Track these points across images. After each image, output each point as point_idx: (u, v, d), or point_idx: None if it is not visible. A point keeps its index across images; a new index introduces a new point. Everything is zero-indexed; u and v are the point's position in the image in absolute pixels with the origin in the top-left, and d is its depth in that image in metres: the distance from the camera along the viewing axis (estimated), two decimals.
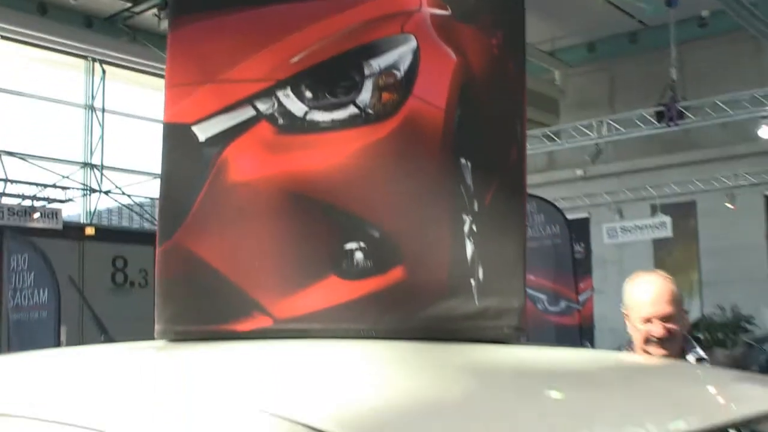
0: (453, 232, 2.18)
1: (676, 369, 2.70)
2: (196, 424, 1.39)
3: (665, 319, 3.99)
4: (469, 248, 2.17)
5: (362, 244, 2.14)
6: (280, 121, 2.21)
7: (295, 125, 2.21)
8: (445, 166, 2.21)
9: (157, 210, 2.39)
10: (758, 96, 18.73)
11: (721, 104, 19.14)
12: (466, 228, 2.18)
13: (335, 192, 2.19)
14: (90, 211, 23.66)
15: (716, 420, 1.68)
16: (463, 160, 2.21)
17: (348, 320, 2.10)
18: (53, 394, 1.74)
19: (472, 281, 2.17)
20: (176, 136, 2.29)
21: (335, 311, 2.11)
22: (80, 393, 1.72)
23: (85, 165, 23.56)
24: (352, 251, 2.14)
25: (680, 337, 4.07)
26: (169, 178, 2.34)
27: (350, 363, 1.81)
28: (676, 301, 4.07)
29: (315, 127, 2.20)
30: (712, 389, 2.02)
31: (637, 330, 4.00)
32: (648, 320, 3.98)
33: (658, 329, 3.96)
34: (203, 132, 2.24)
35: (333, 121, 2.20)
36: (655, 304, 4.05)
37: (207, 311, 2.18)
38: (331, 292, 2.13)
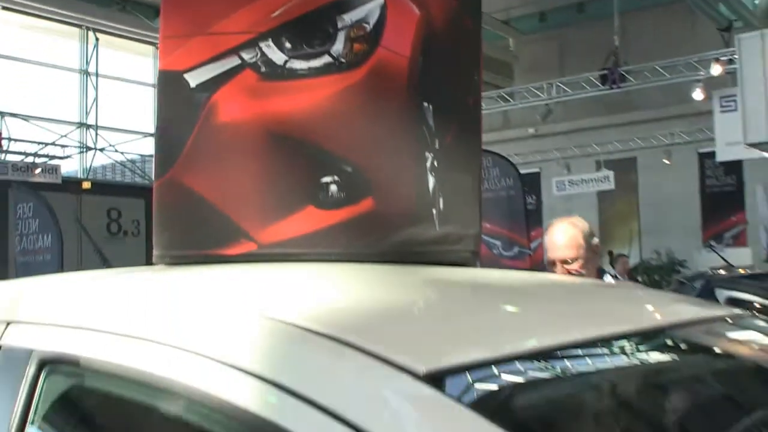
0: (416, 167, 2.21)
1: (603, 285, 2.81)
2: (208, 326, 1.47)
3: (565, 262, 4.12)
4: (431, 182, 2.20)
5: (336, 178, 2.16)
6: (263, 69, 2.23)
7: (275, 73, 2.23)
8: (409, 108, 2.23)
9: (153, 148, 2.40)
10: (693, 62, 18.82)
11: (659, 69, 19.21)
12: (428, 164, 2.21)
13: (312, 131, 2.21)
14: (86, 167, 23.51)
15: (640, 325, 1.76)
16: (425, 104, 2.23)
17: (324, 245, 2.13)
18: (94, 306, 1.79)
19: (434, 211, 2.20)
20: (170, 83, 2.31)
21: (312, 237, 2.14)
22: (104, 304, 1.78)
23: (81, 125, 23.38)
24: (327, 184, 2.16)
25: (592, 275, 4.19)
26: (164, 119, 2.36)
27: (327, 278, 1.86)
28: (579, 246, 4.18)
29: (293, 74, 2.22)
30: (636, 302, 2.09)
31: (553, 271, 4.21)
32: (552, 263, 4.13)
33: (559, 272, 4.09)
34: (194, 79, 2.26)
35: (309, 68, 2.22)
36: (558, 249, 4.18)
37: (199, 238, 2.21)
38: (308, 220, 2.15)
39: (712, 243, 19.53)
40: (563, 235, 4.27)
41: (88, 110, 23.23)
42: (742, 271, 8.10)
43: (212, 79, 2.25)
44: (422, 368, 1.19)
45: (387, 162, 2.23)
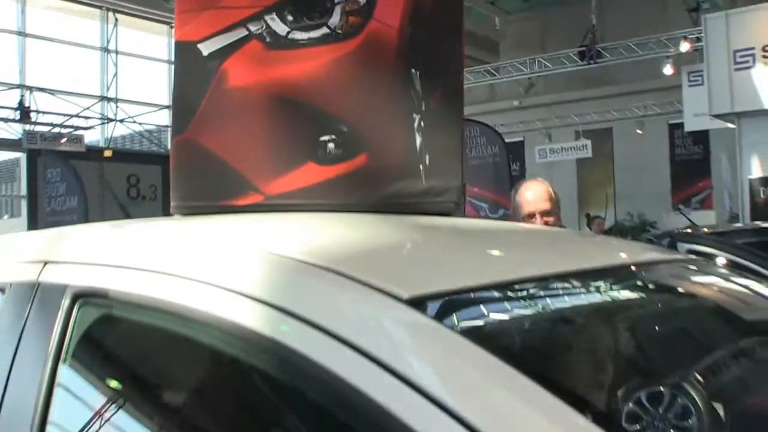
0: (405, 127, 2.25)
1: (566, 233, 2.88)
2: (220, 261, 1.54)
3: (544, 213, 4.18)
4: (418, 140, 2.24)
5: (333, 137, 2.21)
6: (267, 39, 2.28)
7: (279, 43, 2.27)
8: (398, 75, 2.28)
9: (170, 111, 2.45)
10: (663, 40, 18.81)
11: (632, 46, 19.21)
12: (415, 124, 2.25)
13: (311, 95, 2.25)
14: (108, 137, 23.49)
15: (604, 263, 1.85)
16: (413, 71, 2.28)
17: (322, 197, 2.19)
18: (120, 246, 1.86)
19: (421, 166, 2.25)
20: (185, 52, 2.36)
21: (312, 190, 2.19)
22: (129, 245, 1.85)
23: (103, 98, 23.32)
24: (325, 142, 2.21)
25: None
26: (180, 85, 2.41)
27: (323, 223, 1.93)
28: (552, 200, 4.28)
29: (295, 44, 2.27)
30: (602, 246, 2.17)
31: None
32: (531, 215, 4.17)
33: (538, 223, 4.14)
34: (206, 48, 2.31)
35: (309, 39, 2.26)
36: (536, 202, 4.25)
37: (212, 190, 2.27)
38: (308, 174, 2.20)
39: (680, 207, 19.62)
40: (539, 190, 4.35)
41: (108, 85, 23.18)
42: (705, 230, 8.17)
43: (222, 49, 2.30)
44: (405, 294, 1.27)
45: (379, 122, 2.28)
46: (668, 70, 19.18)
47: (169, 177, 2.37)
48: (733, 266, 5.08)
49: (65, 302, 1.69)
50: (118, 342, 1.77)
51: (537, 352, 1.40)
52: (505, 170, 14.73)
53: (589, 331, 1.59)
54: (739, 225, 10.83)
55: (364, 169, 2.23)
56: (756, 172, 13.08)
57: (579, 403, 1.15)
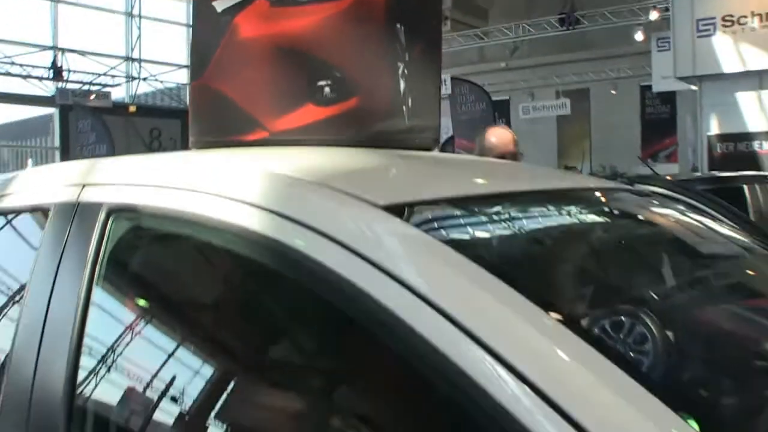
0: (391, 74, 2.33)
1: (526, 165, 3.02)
2: (231, 178, 1.66)
3: (508, 155, 4.30)
4: (402, 85, 2.33)
5: (329, 82, 2.29)
6: None
7: (282, 0, 2.36)
8: (385, 29, 2.36)
9: (188, 59, 2.54)
10: (636, 9, 18.80)
11: (607, 14, 19.20)
12: (400, 72, 2.34)
13: (311, 46, 2.33)
14: (132, 94, 23.49)
15: (557, 186, 1.98)
16: (398, 25, 2.35)
17: (319, 133, 2.27)
18: (147, 169, 1.97)
19: (404, 107, 2.34)
20: (202, 9, 2.43)
21: (311, 127, 2.28)
22: (155, 168, 1.96)
23: (128, 59, 23.26)
24: (322, 86, 2.29)
25: None
26: (197, 38, 2.50)
27: (318, 153, 2.05)
28: (515, 144, 4.40)
29: (296, 2, 2.35)
30: (557, 176, 2.29)
31: None
32: (497, 157, 4.27)
33: None
34: (220, 6, 2.37)
35: None
36: (503, 145, 4.35)
37: (224, 127, 2.36)
38: (308, 114, 2.29)
39: (648, 160, 19.71)
40: (505, 135, 4.49)
41: (132, 46, 23.13)
42: (668, 177, 8.31)
43: (233, 6, 2.36)
44: (381, 202, 1.40)
45: (368, 70, 2.35)
46: (639, 36, 19.18)
47: (188, 131, 2.45)
48: (685, 204, 5.21)
49: (101, 217, 1.78)
50: (146, 248, 1.89)
51: (483, 245, 1.54)
52: (492, 125, 14.78)
53: (534, 235, 1.73)
54: (697, 174, 10.98)
55: (355, 109, 2.30)
56: (714, 129, 13.17)
57: (536, 294, 1.27)
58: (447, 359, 1.12)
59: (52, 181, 2.16)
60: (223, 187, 1.59)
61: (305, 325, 1.49)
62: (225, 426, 1.57)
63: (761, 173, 9.25)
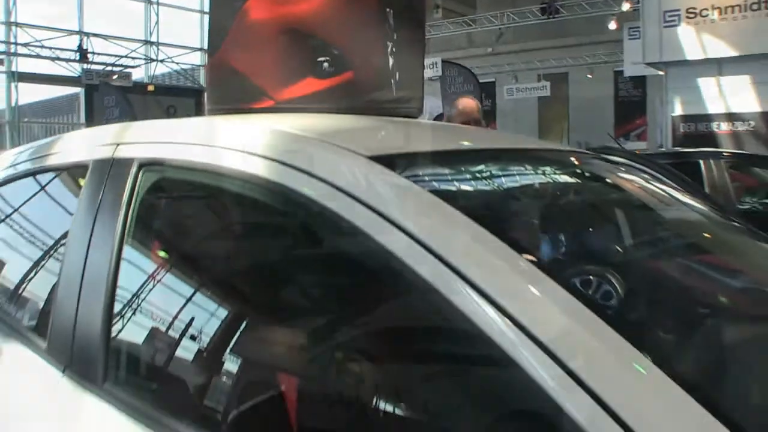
0: (381, 51, 2.45)
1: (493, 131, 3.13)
2: (242, 134, 1.79)
3: (473, 122, 4.44)
4: (390, 61, 2.45)
5: (328, 58, 2.39)
6: None
7: None
8: (377, 12, 2.46)
9: (207, 40, 2.62)
10: (609, 0, 18.78)
11: (585, 5, 19.19)
12: (388, 50, 2.45)
13: (313, 27, 2.42)
14: (150, 75, 23.46)
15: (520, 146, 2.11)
16: (387, 9, 2.47)
17: (317, 102, 2.36)
18: (171, 129, 2.09)
19: (392, 80, 2.45)
20: None
21: (311, 97, 2.37)
22: (178, 128, 2.07)
23: (147, 42, 23.21)
24: (321, 62, 2.39)
25: None
26: (214, 19, 2.58)
27: (316, 117, 2.15)
28: (479, 111, 4.57)
29: None
30: (522, 139, 2.42)
31: None
32: (465, 123, 4.41)
33: None
34: None
35: None
36: (469, 113, 4.49)
37: (236, 97, 2.43)
38: (309, 85, 2.39)
39: (620, 138, 19.80)
40: (472, 104, 4.63)
41: (151, 31, 23.06)
42: (637, 152, 8.46)
43: None
44: (367, 153, 1.54)
45: (361, 47, 2.45)
46: (612, 25, 19.23)
47: (203, 108, 2.52)
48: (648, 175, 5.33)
49: (133, 170, 1.88)
50: (171, 195, 2.02)
51: (445, 187, 1.68)
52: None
53: (492, 181, 1.87)
54: (661, 150, 11.14)
55: (350, 82, 2.39)
56: (678, 111, 13.29)
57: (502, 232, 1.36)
58: (413, 272, 1.26)
59: (89, 142, 2.27)
60: (237, 142, 1.72)
61: (307, 253, 1.64)
62: (241, 360, 1.66)
63: (716, 150, 9.38)
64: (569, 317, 1.17)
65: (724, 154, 8.37)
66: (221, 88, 2.52)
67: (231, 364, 1.69)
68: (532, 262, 1.32)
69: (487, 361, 1.19)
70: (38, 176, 2.40)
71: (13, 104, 20.83)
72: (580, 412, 1.04)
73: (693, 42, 12.71)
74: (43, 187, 2.39)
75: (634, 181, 2.32)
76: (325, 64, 2.40)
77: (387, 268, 1.32)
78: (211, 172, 1.74)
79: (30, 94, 23.52)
